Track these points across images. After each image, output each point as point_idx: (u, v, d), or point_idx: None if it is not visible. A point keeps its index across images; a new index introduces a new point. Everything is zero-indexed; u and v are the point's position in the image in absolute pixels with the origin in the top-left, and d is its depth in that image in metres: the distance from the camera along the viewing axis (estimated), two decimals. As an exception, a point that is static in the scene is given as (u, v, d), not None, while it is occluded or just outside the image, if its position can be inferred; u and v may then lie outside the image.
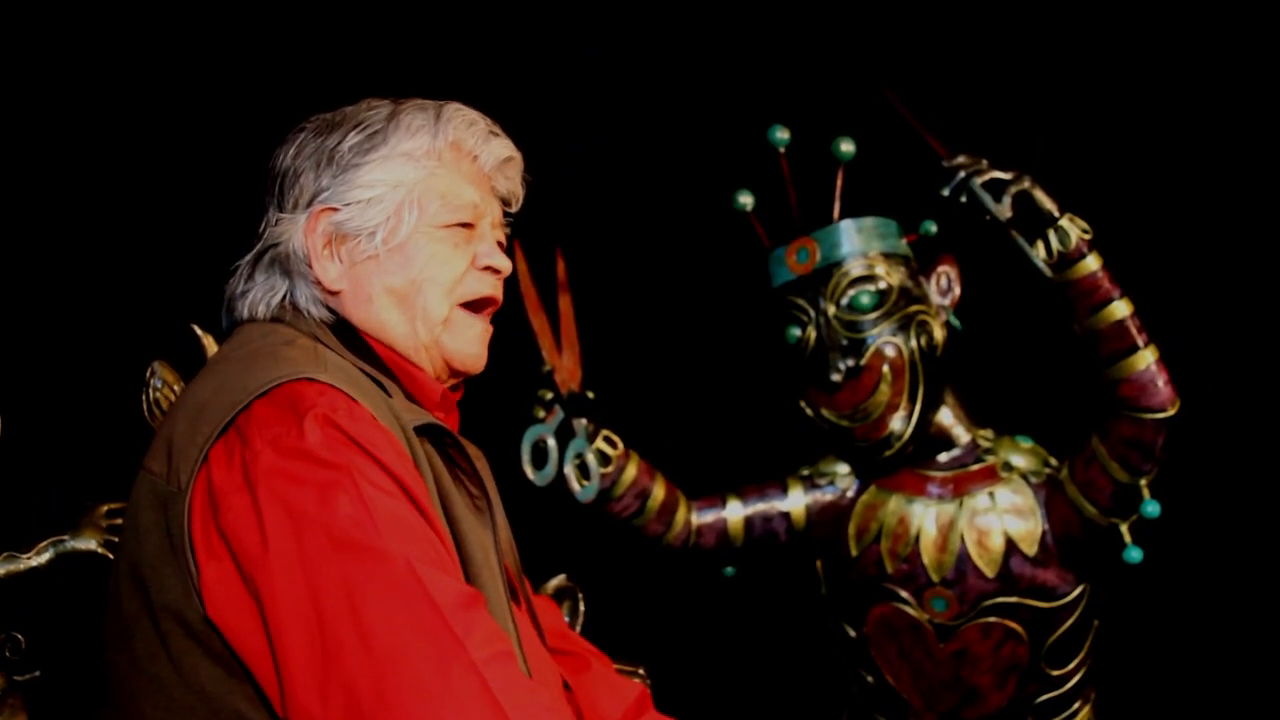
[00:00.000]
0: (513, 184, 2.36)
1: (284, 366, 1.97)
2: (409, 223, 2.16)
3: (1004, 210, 2.68)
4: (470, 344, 2.24)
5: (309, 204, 2.17)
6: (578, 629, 2.95)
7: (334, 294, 2.18)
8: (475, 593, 1.86)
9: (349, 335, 2.17)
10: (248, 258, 2.22)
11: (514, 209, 2.39)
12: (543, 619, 2.46)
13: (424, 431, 2.04)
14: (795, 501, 3.05)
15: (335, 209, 2.15)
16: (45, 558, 2.72)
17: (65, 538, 2.74)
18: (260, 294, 2.19)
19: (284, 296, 2.18)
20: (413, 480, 1.93)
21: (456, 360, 2.22)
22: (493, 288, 2.26)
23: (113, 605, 2.02)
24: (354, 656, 1.74)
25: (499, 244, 2.30)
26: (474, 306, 2.25)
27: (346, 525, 1.80)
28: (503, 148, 2.30)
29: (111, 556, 2.73)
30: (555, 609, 2.72)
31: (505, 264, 2.27)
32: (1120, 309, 2.67)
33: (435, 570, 1.83)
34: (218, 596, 1.84)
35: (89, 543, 2.74)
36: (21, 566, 2.71)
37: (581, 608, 3.01)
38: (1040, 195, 2.68)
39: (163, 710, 1.90)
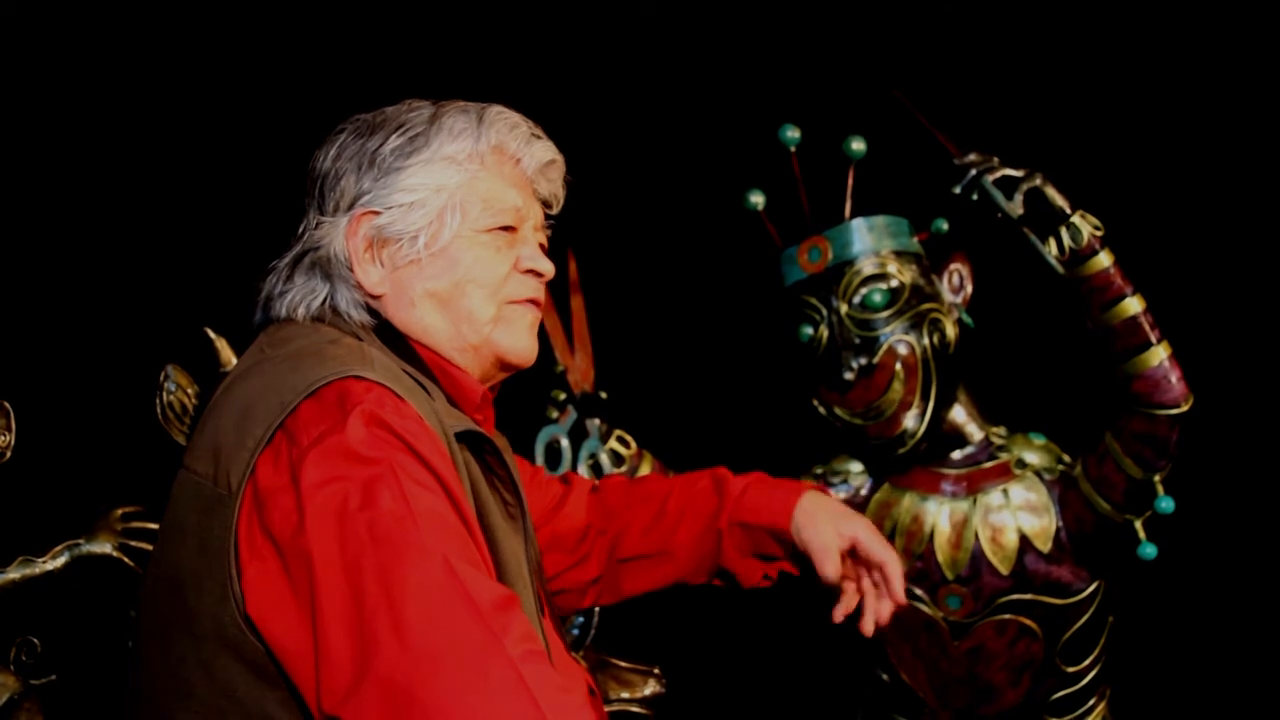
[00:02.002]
0: (554, 186, 2.35)
1: (331, 365, 1.97)
2: (451, 227, 2.15)
3: (1016, 207, 2.68)
4: (523, 336, 2.22)
5: (350, 207, 2.16)
6: (592, 630, 2.94)
7: (375, 298, 2.16)
8: (511, 593, 1.87)
9: (391, 337, 2.15)
10: (286, 259, 2.20)
11: (555, 211, 2.37)
12: (580, 512, 2.59)
13: (463, 438, 2.04)
14: (809, 500, 3.05)
15: (377, 212, 2.14)
16: (60, 562, 2.73)
17: (80, 542, 2.74)
18: (300, 295, 2.17)
19: (324, 300, 2.16)
20: (453, 479, 1.93)
21: (511, 355, 2.21)
22: (535, 290, 2.25)
23: (146, 605, 2.02)
24: (391, 651, 1.74)
25: (540, 246, 2.29)
26: (520, 303, 2.24)
27: (387, 521, 1.80)
28: (545, 150, 2.29)
29: (127, 560, 2.73)
30: (584, 489, 2.72)
31: (548, 267, 2.26)
32: (1133, 305, 2.67)
33: (472, 569, 1.83)
34: (259, 595, 1.84)
35: (104, 546, 2.74)
36: (37, 570, 2.71)
37: (596, 608, 3.01)
38: (1052, 192, 2.68)
39: (193, 714, 1.90)
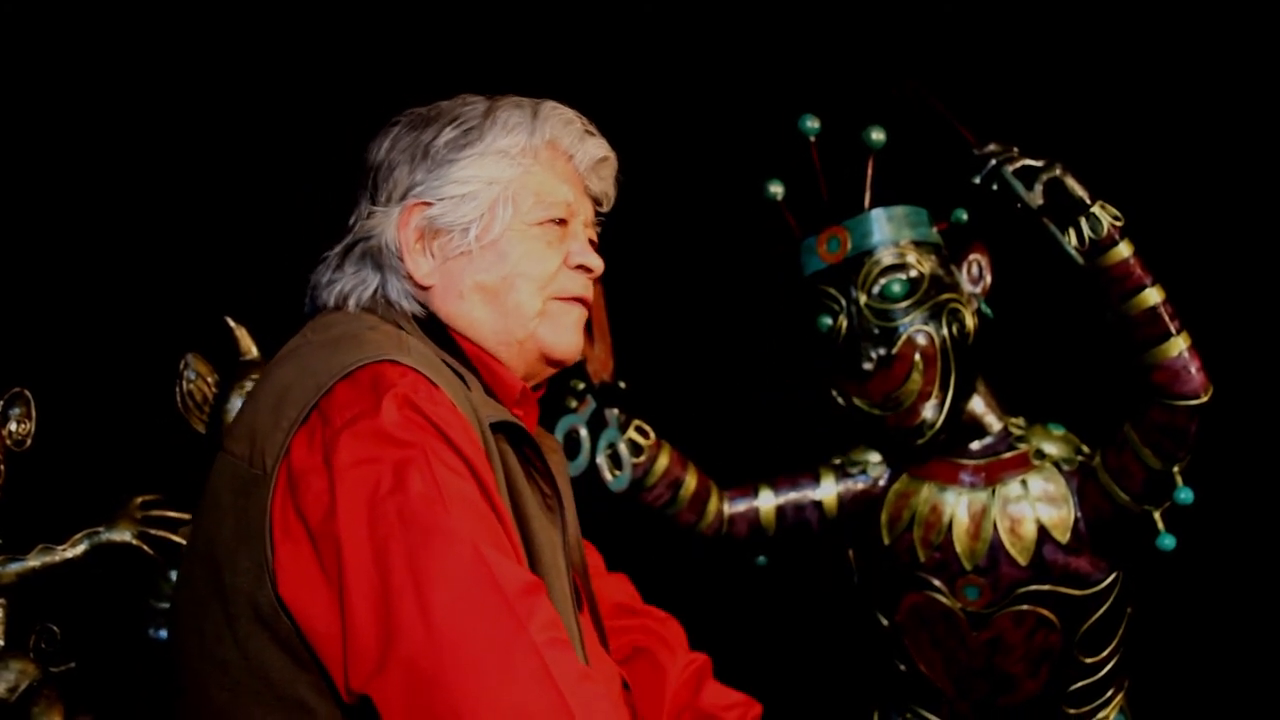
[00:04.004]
0: (606, 184, 2.36)
1: (367, 349, 1.98)
2: (503, 219, 2.16)
3: (1035, 198, 2.67)
4: (567, 331, 2.22)
5: (403, 198, 2.17)
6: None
7: (425, 289, 2.17)
8: (537, 580, 1.88)
9: (435, 329, 2.17)
10: (337, 248, 2.22)
11: (605, 209, 2.38)
12: (615, 592, 2.54)
13: (500, 428, 2.04)
14: (827, 490, 3.05)
15: (429, 204, 2.15)
16: (80, 550, 2.74)
17: (100, 530, 2.75)
18: (350, 285, 2.18)
19: (375, 290, 2.17)
20: (484, 467, 1.93)
21: (556, 351, 2.21)
22: (584, 288, 2.25)
23: (184, 586, 2.04)
24: (415, 633, 1.75)
25: (591, 243, 2.30)
26: (567, 300, 2.25)
27: (417, 504, 1.81)
28: (598, 147, 2.30)
29: (146, 548, 2.74)
30: (626, 581, 2.72)
31: (598, 263, 2.26)
32: (1152, 296, 2.66)
33: (500, 554, 1.84)
34: (290, 575, 1.86)
35: (124, 535, 2.75)
36: (57, 559, 2.72)
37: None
38: (1072, 182, 2.67)
39: (228, 693, 1.92)
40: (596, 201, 2.35)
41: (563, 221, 2.22)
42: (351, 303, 2.17)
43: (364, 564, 1.79)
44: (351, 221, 2.23)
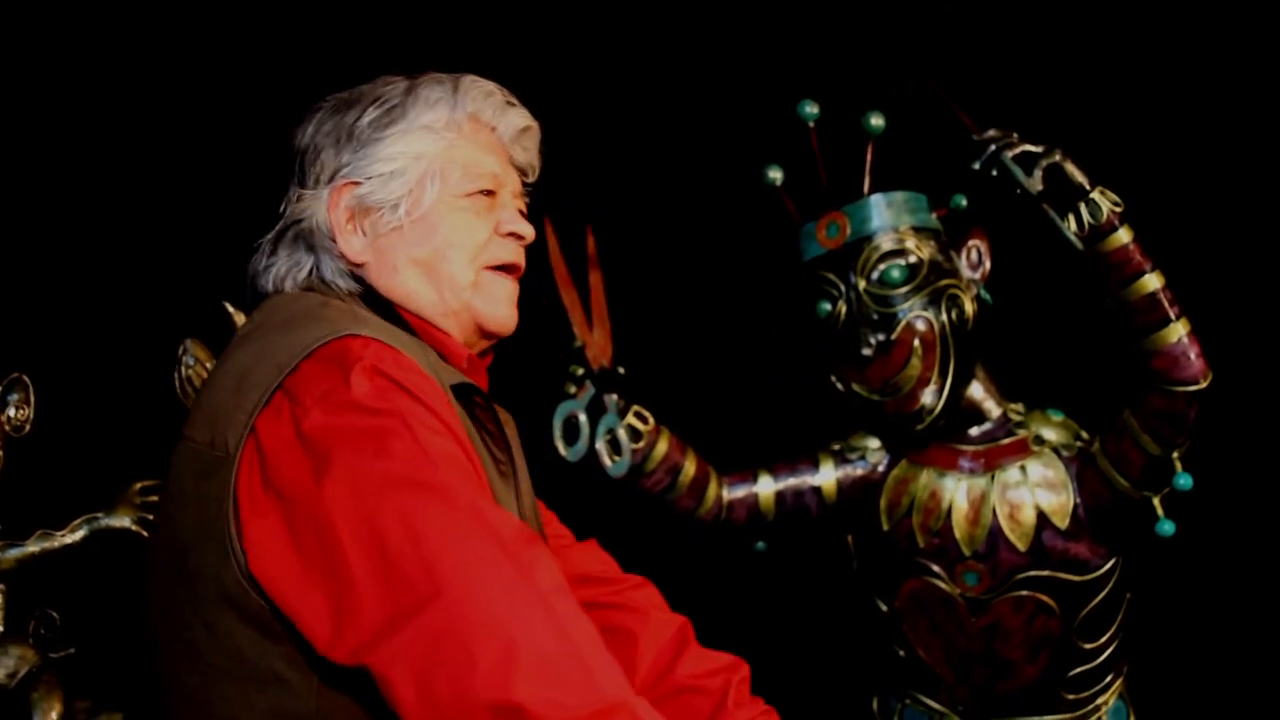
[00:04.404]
0: (530, 155, 2.40)
1: (325, 326, 2.00)
2: (431, 193, 2.21)
3: (1035, 183, 2.67)
4: (500, 304, 2.27)
5: (331, 179, 2.21)
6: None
7: (359, 265, 2.22)
8: (533, 531, 1.89)
9: (378, 304, 2.19)
10: (270, 235, 2.27)
11: (531, 179, 2.42)
12: (584, 562, 2.58)
13: (455, 391, 2.06)
14: (826, 476, 3.04)
15: (357, 183, 2.19)
16: (80, 535, 2.75)
17: (99, 515, 2.76)
18: (285, 268, 2.22)
19: (310, 271, 2.22)
20: (458, 427, 1.96)
21: (489, 322, 2.25)
22: (515, 254, 2.30)
23: (150, 574, 2.05)
24: (421, 590, 1.75)
25: (520, 212, 2.32)
26: (499, 271, 2.27)
27: (405, 467, 1.83)
28: (520, 118, 2.34)
29: (145, 534, 2.75)
30: (596, 549, 2.73)
31: (528, 230, 2.31)
32: (1152, 281, 2.65)
33: (494, 506, 1.86)
34: (263, 552, 1.86)
35: (123, 520, 2.76)
36: (56, 544, 2.73)
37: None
38: (1071, 168, 2.67)
39: (199, 675, 1.93)
40: (522, 172, 2.40)
41: (490, 192, 2.27)
42: (288, 284, 2.22)
43: (357, 532, 1.80)
44: (282, 208, 2.27)
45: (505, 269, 2.29)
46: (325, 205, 2.21)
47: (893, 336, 2.86)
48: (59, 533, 2.73)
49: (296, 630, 1.86)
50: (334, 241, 2.21)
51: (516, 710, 1.67)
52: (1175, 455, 2.73)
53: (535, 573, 1.80)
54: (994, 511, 2.87)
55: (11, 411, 2.70)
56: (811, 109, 2.95)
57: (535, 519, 2.34)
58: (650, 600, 2.60)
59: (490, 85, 2.32)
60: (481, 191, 2.25)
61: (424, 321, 2.22)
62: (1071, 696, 2.96)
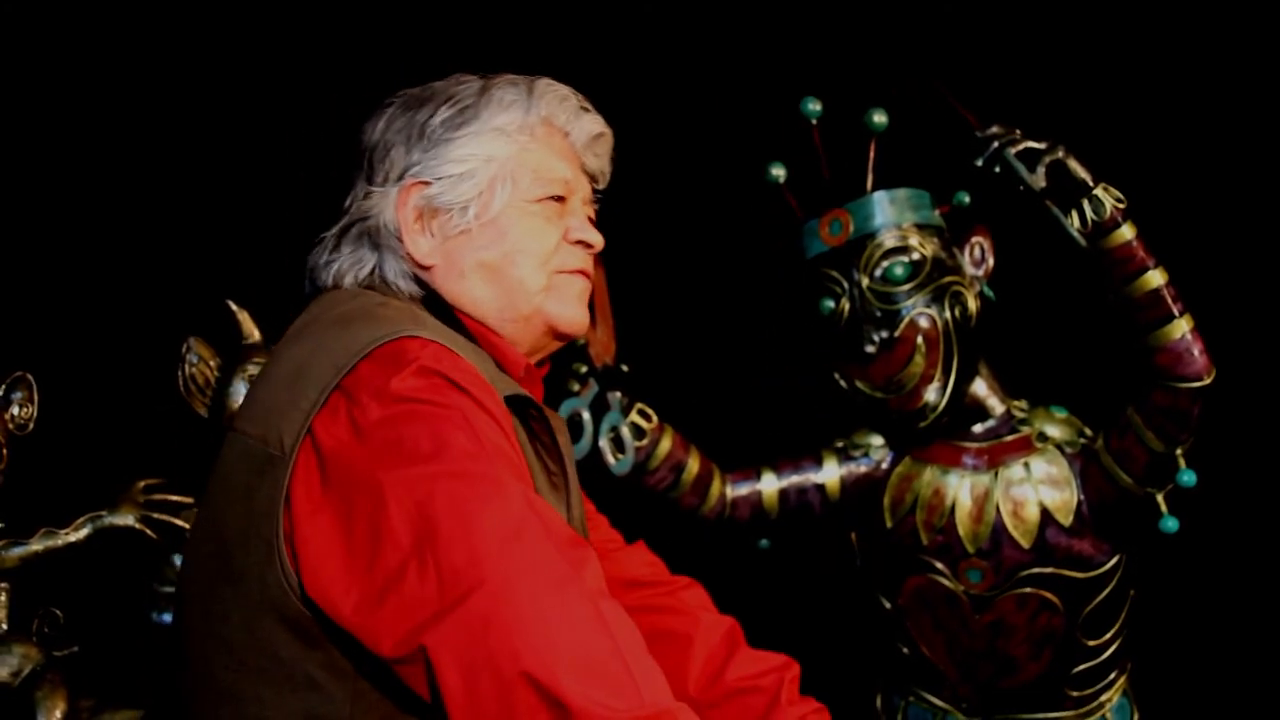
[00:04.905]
0: (602, 161, 2.36)
1: (384, 326, 1.98)
2: (502, 197, 2.16)
3: (1038, 180, 2.66)
4: (573, 303, 2.23)
5: (400, 178, 2.17)
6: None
7: (425, 269, 2.18)
8: (582, 536, 1.89)
9: (438, 308, 2.17)
10: (334, 229, 2.22)
11: (602, 186, 2.38)
12: (633, 565, 2.55)
13: (510, 402, 2.04)
14: (830, 474, 3.05)
15: (427, 183, 2.15)
16: (83, 534, 2.75)
17: (103, 514, 2.76)
18: (347, 264, 2.18)
19: (372, 269, 2.18)
20: (510, 431, 1.95)
21: (562, 323, 2.22)
22: (584, 262, 2.25)
23: (191, 566, 2.04)
24: (470, 579, 1.74)
25: (589, 219, 2.30)
26: (569, 273, 2.25)
27: (460, 458, 1.82)
28: (594, 124, 2.30)
29: (148, 532, 2.75)
30: (644, 551, 2.71)
31: (598, 238, 2.27)
32: (1155, 278, 2.65)
33: (545, 505, 1.86)
34: (315, 551, 1.85)
35: (127, 519, 2.76)
36: (60, 542, 2.73)
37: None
38: (1074, 164, 2.67)
39: (233, 672, 1.92)
40: (593, 179, 2.35)
41: (561, 198, 2.23)
42: (348, 281, 2.17)
43: (409, 518, 1.79)
44: (347, 204, 2.23)
45: (575, 272, 2.27)
46: (393, 204, 2.17)
47: (896, 334, 2.86)
48: (62, 531, 2.73)
49: (336, 637, 1.86)
50: (400, 241, 2.17)
51: (560, 705, 1.66)
52: (1179, 452, 2.73)
53: (584, 572, 1.79)
54: (997, 508, 2.87)
55: (15, 410, 2.70)
56: (814, 106, 2.94)
57: (583, 529, 2.32)
58: (699, 601, 2.59)
59: (565, 90, 2.28)
60: (552, 197, 2.22)
61: (485, 328, 2.19)
62: (1075, 693, 2.96)
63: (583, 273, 2.26)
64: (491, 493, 1.80)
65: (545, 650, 1.69)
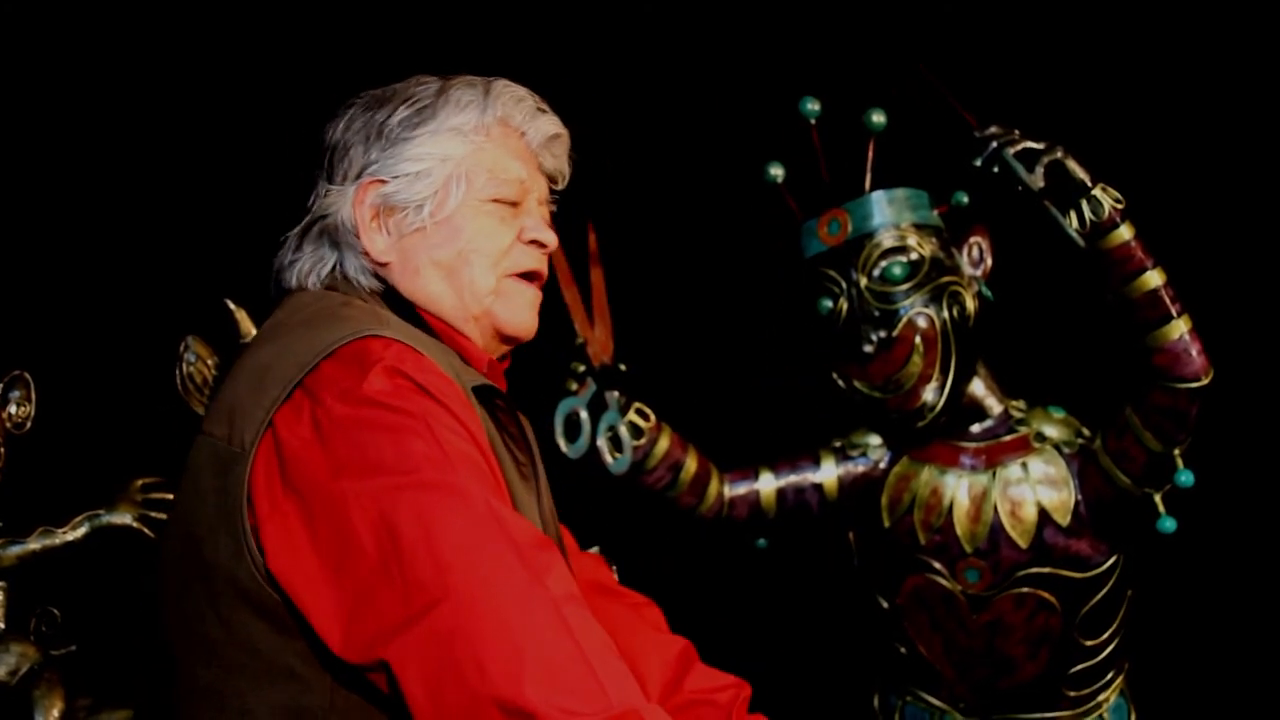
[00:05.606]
0: (559, 161, 2.38)
1: (347, 326, 2.00)
2: (456, 196, 2.19)
3: (1036, 180, 2.66)
4: (521, 311, 2.26)
5: (358, 176, 2.20)
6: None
7: (382, 265, 2.21)
8: (547, 537, 1.89)
9: (399, 304, 2.19)
10: (296, 229, 2.26)
11: (560, 186, 2.41)
12: (593, 574, 2.55)
13: (478, 393, 2.06)
14: (827, 473, 3.05)
15: (384, 181, 2.18)
16: (81, 532, 2.74)
17: (101, 512, 2.76)
18: (309, 264, 2.22)
19: (333, 267, 2.21)
20: (478, 430, 1.96)
21: (508, 328, 2.24)
22: (538, 262, 2.28)
23: (165, 567, 2.04)
24: (432, 590, 1.75)
25: (545, 220, 2.31)
26: (521, 279, 2.27)
27: (422, 465, 1.83)
28: (550, 124, 2.32)
29: (146, 531, 2.75)
30: (602, 563, 2.73)
31: (551, 238, 2.29)
32: (1153, 279, 2.65)
33: (509, 510, 1.87)
34: (279, 548, 1.86)
35: (124, 517, 2.76)
36: (57, 541, 2.73)
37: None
38: (1073, 165, 2.67)
39: (214, 670, 1.93)
40: (551, 179, 2.38)
41: (515, 202, 2.25)
42: (311, 280, 2.21)
43: (373, 529, 1.80)
44: (310, 202, 2.26)
45: (527, 276, 2.28)
46: (351, 201, 2.19)
47: (894, 333, 2.86)
48: (60, 530, 2.73)
49: (311, 626, 1.87)
50: (358, 239, 2.20)
51: (527, 715, 1.68)
52: (1176, 452, 2.73)
53: (548, 579, 1.79)
54: (995, 508, 2.87)
55: (13, 408, 2.70)
56: (813, 106, 2.95)
57: (554, 522, 2.33)
58: (655, 619, 2.60)
59: (521, 91, 2.30)
60: (506, 198, 2.25)
61: (445, 324, 2.21)
62: (1072, 693, 2.97)
63: (536, 275, 2.29)
64: (454, 503, 1.81)
65: (510, 661, 1.71)
